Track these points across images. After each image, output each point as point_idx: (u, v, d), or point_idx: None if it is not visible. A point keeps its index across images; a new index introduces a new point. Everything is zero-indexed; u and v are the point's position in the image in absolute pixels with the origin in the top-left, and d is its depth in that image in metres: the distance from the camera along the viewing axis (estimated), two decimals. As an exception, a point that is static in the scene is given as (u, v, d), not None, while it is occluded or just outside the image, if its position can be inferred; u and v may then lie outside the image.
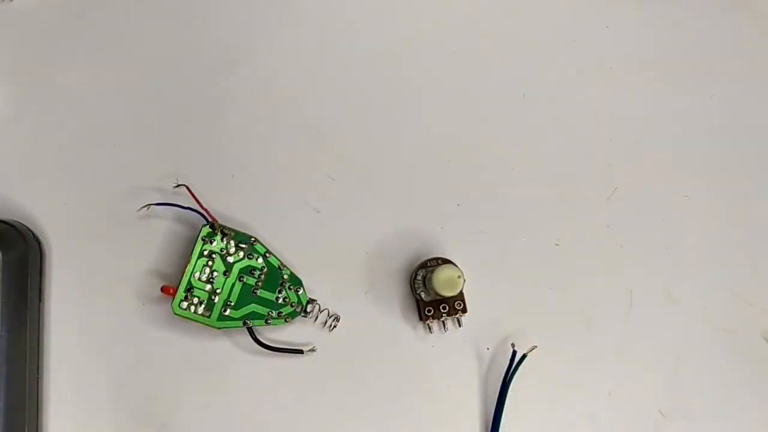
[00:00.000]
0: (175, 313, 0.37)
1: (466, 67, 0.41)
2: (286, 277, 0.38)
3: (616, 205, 0.40)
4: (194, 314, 0.37)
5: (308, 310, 0.38)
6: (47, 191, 0.39)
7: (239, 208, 0.39)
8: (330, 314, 0.39)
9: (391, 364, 0.39)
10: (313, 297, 0.38)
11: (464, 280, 0.37)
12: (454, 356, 0.39)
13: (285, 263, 0.38)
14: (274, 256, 0.38)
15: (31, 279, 0.37)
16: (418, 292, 0.38)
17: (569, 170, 0.40)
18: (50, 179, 0.39)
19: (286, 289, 0.38)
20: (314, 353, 0.38)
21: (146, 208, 0.38)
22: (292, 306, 0.38)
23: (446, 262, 0.38)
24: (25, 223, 0.38)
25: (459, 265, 0.37)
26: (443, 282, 0.36)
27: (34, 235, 0.38)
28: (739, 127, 0.41)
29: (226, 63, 0.40)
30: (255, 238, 0.38)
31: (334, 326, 0.39)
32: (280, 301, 0.38)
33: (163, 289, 0.37)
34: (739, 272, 0.40)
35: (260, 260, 0.38)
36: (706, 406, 0.39)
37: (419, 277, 0.38)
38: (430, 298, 0.38)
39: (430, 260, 0.39)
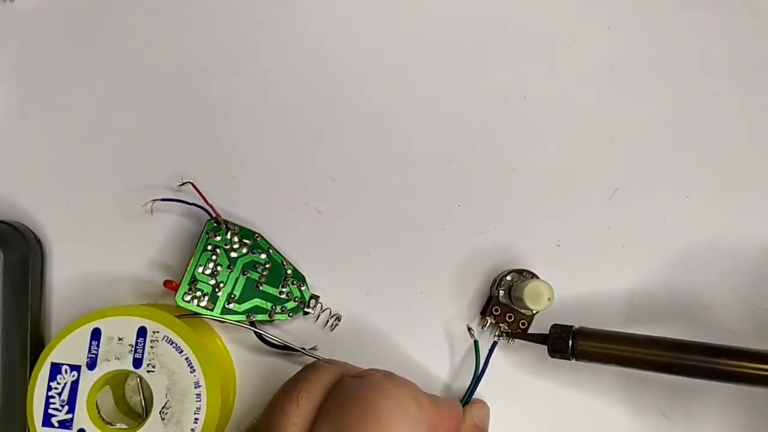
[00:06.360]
0: (178, 306, 0.37)
1: (466, 68, 0.41)
2: (289, 272, 0.38)
3: (617, 205, 0.40)
4: (197, 307, 0.37)
5: (311, 305, 0.38)
6: (47, 191, 0.39)
7: (240, 209, 0.39)
8: (331, 314, 0.39)
9: (392, 365, 0.39)
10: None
11: (550, 304, 0.37)
12: (455, 356, 0.39)
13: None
14: (278, 251, 0.38)
15: (31, 279, 0.37)
16: (498, 289, 0.38)
17: (570, 170, 0.40)
18: (51, 179, 0.39)
19: (289, 285, 0.38)
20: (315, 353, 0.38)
21: (152, 202, 0.38)
22: (295, 301, 0.38)
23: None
24: (25, 223, 0.38)
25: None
26: (532, 293, 0.36)
27: (34, 235, 0.38)
28: (739, 127, 0.41)
29: (226, 64, 0.40)
30: (259, 233, 0.38)
31: (336, 326, 0.39)
32: (284, 296, 0.38)
33: (165, 284, 0.37)
34: (740, 272, 0.40)
35: (264, 255, 0.38)
36: (707, 406, 0.39)
37: (508, 278, 0.38)
38: (506, 301, 0.38)
39: (527, 271, 0.39)
